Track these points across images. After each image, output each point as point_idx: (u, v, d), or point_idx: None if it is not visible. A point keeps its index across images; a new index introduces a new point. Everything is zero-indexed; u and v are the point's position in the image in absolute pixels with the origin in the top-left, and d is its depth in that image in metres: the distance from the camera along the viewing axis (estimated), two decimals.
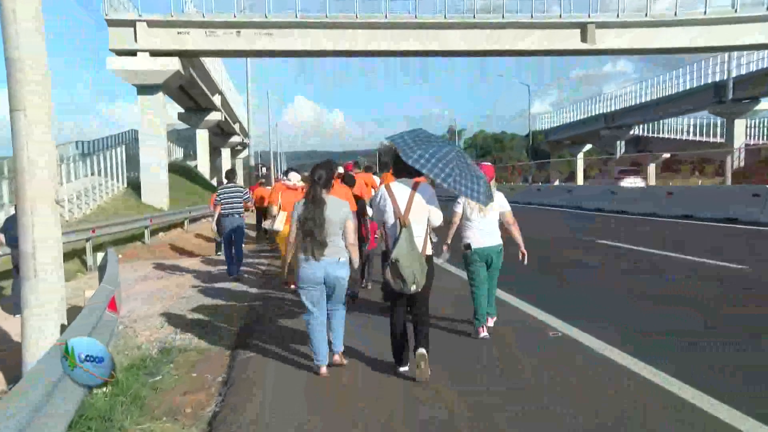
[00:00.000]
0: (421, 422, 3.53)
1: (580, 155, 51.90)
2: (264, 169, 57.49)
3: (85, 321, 4.07)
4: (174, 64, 21.02)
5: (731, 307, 6.13)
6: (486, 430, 3.39)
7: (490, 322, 5.40)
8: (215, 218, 9.47)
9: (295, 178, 7.61)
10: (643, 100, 41.39)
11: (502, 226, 5.34)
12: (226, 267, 9.60)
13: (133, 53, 20.69)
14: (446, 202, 5.38)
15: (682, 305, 6.26)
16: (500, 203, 5.25)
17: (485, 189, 4.22)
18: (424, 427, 3.47)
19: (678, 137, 45.80)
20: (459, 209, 5.25)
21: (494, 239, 5.23)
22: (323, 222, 4.20)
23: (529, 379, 4.18)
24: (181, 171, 31.22)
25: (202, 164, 38.38)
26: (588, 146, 53.82)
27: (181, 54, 21.41)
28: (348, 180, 7.32)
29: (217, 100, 34.90)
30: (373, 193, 4.52)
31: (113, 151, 21.54)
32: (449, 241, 5.30)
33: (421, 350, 4.12)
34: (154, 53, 20.80)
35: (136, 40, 20.52)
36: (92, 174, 19.17)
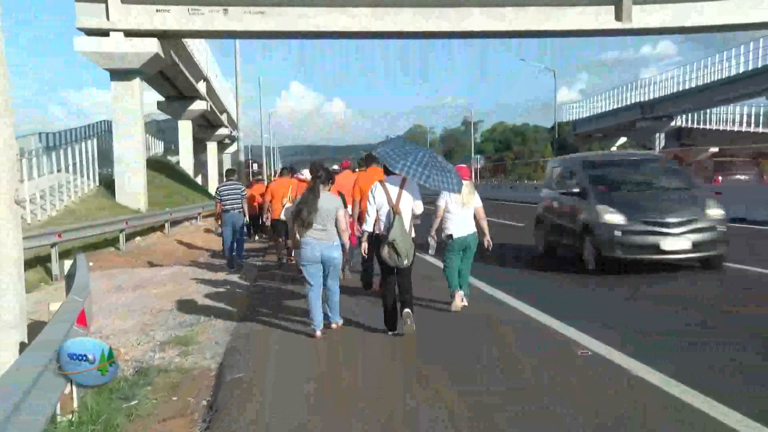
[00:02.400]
0: (421, 422, 3.85)
1: (613, 149, 51.50)
2: (255, 166, 57.56)
3: (48, 338, 3.98)
4: (152, 46, 20.88)
5: (731, 307, 6.74)
6: (486, 430, 3.73)
7: (465, 301, 6.70)
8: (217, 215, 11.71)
9: (308, 174, 8.68)
10: (686, 87, 40.78)
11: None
12: (216, 272, 10.41)
13: (105, 33, 20.52)
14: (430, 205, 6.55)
15: (682, 305, 6.88)
16: (476, 200, 6.90)
17: (456, 179, 6.04)
18: (424, 427, 3.79)
19: (729, 128, 45.39)
20: (442, 203, 6.72)
21: (470, 228, 6.80)
22: (315, 209, 5.71)
23: (529, 379, 4.61)
24: (161, 167, 31.33)
25: (185, 160, 38.50)
26: (622, 139, 53.45)
27: (161, 35, 21.31)
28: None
29: (201, 87, 34.99)
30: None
31: (83, 144, 21.46)
32: (433, 233, 6.82)
33: (407, 310, 5.72)
34: (130, 33, 20.62)
35: (108, 17, 20.27)
36: (59, 170, 19.11)
